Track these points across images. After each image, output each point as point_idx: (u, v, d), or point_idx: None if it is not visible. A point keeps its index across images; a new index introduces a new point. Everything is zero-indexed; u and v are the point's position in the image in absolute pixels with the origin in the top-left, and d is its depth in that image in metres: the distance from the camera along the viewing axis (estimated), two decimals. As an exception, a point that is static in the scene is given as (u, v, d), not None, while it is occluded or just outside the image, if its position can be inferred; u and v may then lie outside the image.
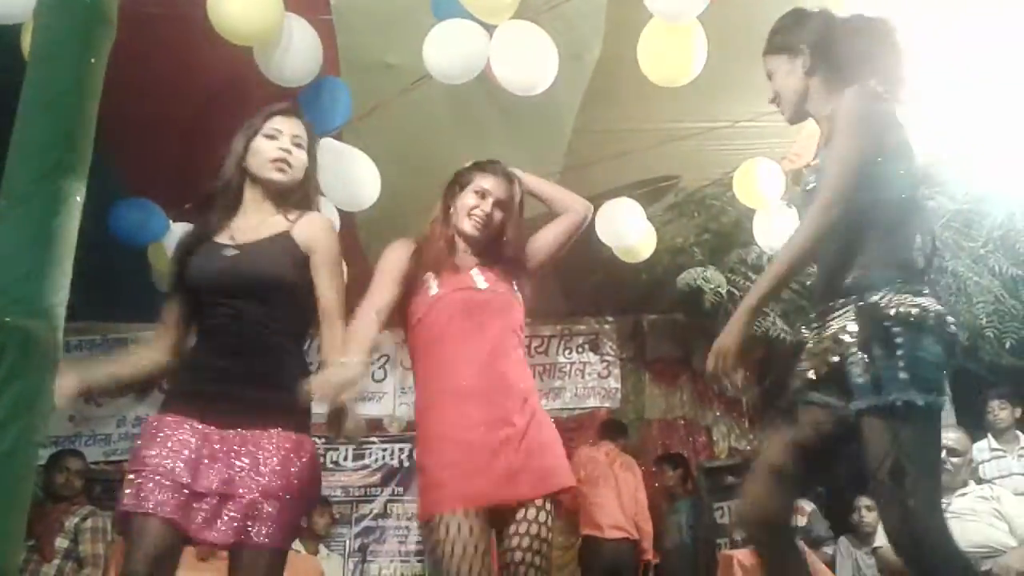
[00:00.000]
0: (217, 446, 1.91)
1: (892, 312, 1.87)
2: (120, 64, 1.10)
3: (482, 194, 2.41)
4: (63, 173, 0.94)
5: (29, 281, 0.92)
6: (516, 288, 2.41)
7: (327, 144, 3.86)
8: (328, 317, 2.10)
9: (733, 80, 3.64)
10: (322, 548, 5.20)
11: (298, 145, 2.24)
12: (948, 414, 5.15)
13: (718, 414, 6.30)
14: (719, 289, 4.75)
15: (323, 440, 6.03)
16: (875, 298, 1.90)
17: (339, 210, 4.19)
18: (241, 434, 1.94)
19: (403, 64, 3.79)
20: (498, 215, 2.41)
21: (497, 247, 2.43)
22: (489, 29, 3.24)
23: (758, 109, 4.18)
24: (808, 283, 4.82)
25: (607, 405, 6.16)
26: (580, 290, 5.60)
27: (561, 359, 6.25)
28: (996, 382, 4.82)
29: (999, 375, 4.93)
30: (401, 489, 5.96)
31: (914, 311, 1.87)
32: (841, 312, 1.96)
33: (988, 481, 4.21)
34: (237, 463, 1.91)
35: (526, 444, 2.14)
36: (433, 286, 2.35)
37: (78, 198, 0.95)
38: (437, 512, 2.06)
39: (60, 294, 0.93)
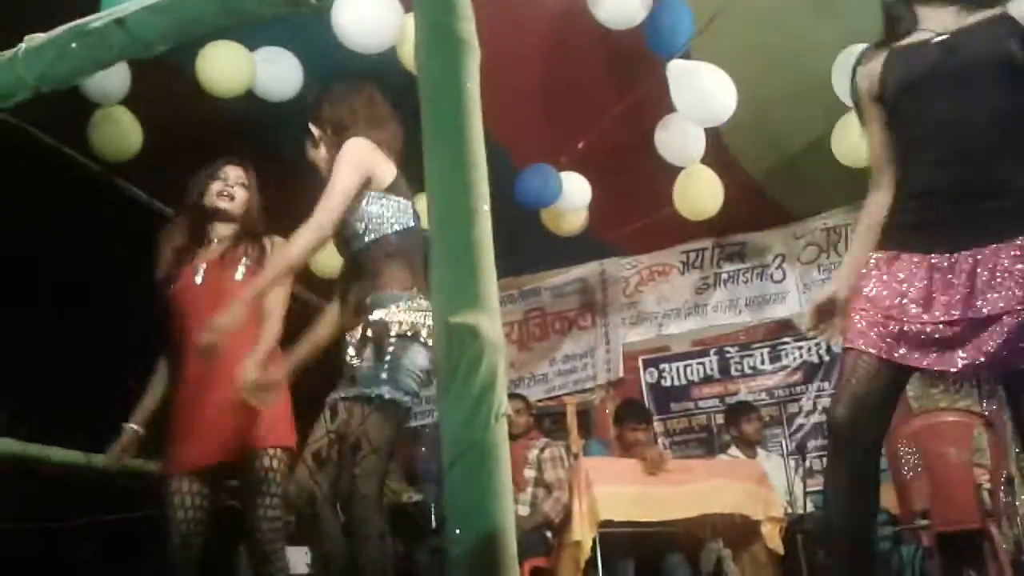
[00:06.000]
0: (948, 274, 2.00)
1: (389, 327, 2.43)
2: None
3: (224, 178, 2.96)
4: (470, 190, 1.10)
5: (465, 285, 1.10)
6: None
7: (676, 65, 3.89)
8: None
9: None
10: (760, 451, 5.32)
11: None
12: None
13: None
14: None
15: (737, 348, 6.14)
16: (381, 315, 2.44)
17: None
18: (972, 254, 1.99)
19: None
20: (241, 193, 2.96)
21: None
22: None
23: None
24: None
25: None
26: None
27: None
28: None
29: None
30: (827, 384, 5.85)
31: (406, 327, 2.43)
32: (360, 324, 2.49)
33: None
34: (976, 284, 1.96)
35: None
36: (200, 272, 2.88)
37: (485, 207, 1.10)
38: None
39: (491, 289, 1.10)
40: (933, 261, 2.02)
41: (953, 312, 1.98)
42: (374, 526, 2.35)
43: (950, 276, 1.99)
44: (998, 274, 1.94)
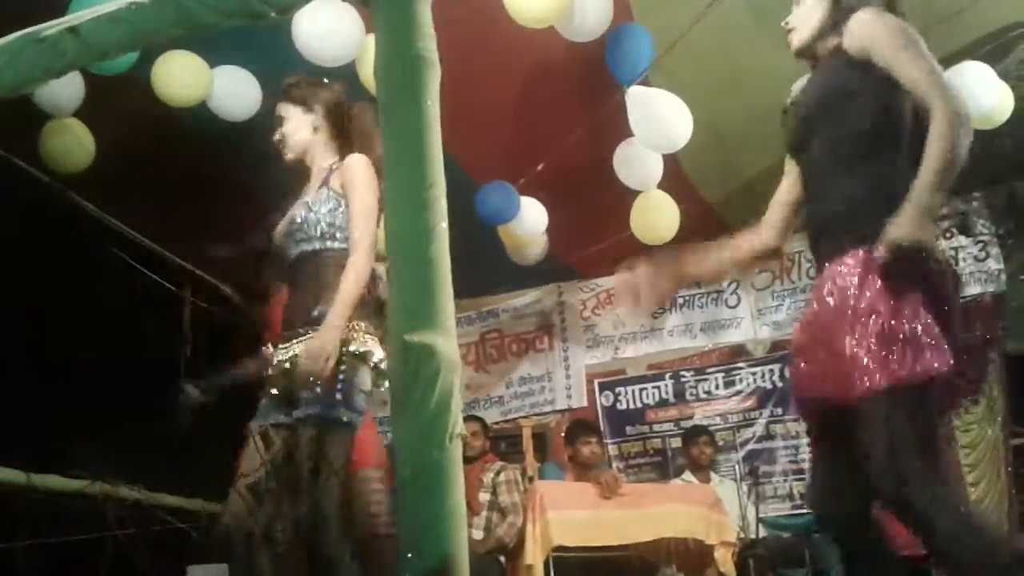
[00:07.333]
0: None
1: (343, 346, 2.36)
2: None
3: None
4: (428, 207, 1.09)
5: (422, 303, 1.09)
6: None
7: (635, 92, 3.93)
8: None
9: None
10: (713, 476, 5.35)
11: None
12: None
13: None
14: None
15: (692, 372, 6.18)
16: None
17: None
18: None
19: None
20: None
21: None
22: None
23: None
24: None
25: (991, 290, 5.57)
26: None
27: (929, 248, 5.74)
28: None
29: None
30: (780, 410, 5.92)
31: (361, 348, 2.40)
32: (305, 338, 2.41)
33: None
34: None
35: None
36: None
37: (444, 225, 1.10)
38: None
39: (448, 308, 1.09)
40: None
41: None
42: (344, 549, 2.32)
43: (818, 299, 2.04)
44: (835, 292, 1.96)
